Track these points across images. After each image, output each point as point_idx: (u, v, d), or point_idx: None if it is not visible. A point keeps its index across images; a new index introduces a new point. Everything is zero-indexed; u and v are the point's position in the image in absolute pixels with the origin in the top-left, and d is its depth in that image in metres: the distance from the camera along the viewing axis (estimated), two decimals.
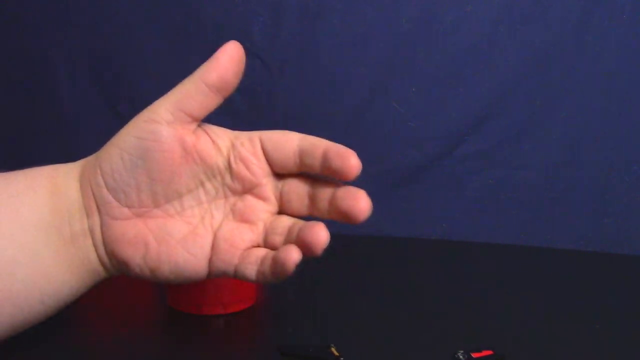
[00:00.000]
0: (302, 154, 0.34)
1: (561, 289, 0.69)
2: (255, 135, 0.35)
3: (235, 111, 0.84)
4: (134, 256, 0.34)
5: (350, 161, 0.33)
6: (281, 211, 0.36)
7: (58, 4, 0.88)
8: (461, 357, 0.49)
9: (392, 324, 0.58)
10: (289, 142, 0.34)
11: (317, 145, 0.34)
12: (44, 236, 0.33)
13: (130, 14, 0.87)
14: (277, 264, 0.32)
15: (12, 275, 0.32)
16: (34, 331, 0.35)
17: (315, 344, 0.50)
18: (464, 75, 0.84)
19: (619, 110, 0.82)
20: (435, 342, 0.54)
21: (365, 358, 0.51)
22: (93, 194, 0.34)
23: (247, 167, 0.34)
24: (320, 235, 0.32)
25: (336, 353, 0.50)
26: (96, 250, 0.35)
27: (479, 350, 0.50)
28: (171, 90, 0.36)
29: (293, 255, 0.31)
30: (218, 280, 0.57)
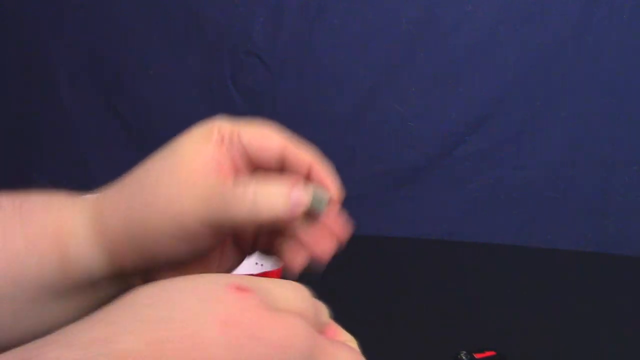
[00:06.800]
0: (283, 164, 0.34)
1: (561, 289, 0.69)
2: (235, 132, 0.34)
3: (235, 111, 0.84)
4: None
5: (333, 191, 0.33)
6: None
7: (58, 4, 0.88)
8: (464, 357, 0.49)
9: (394, 324, 0.58)
10: (269, 151, 0.34)
11: (301, 165, 0.34)
12: (54, 295, 0.32)
13: (130, 14, 0.87)
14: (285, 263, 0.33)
15: (11, 331, 0.31)
16: None
17: None
18: (464, 75, 0.83)
19: (619, 110, 0.82)
20: (438, 342, 0.54)
21: (367, 358, 0.51)
22: (135, 267, 0.32)
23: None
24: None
25: None
26: (129, 285, 0.33)
27: (481, 351, 0.50)
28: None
29: (298, 265, 0.33)
30: None
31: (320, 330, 0.25)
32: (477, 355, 0.49)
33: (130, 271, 0.33)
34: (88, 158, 0.90)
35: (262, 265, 0.58)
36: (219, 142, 0.33)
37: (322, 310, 0.27)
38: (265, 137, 0.34)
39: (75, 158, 0.91)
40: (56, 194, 0.34)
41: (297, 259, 0.33)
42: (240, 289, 0.22)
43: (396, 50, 0.84)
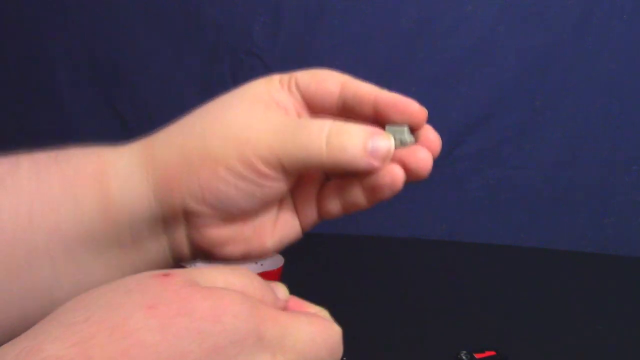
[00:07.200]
0: (345, 105, 0.31)
1: (561, 289, 0.69)
2: (292, 78, 0.32)
3: None
4: (234, 252, 0.31)
5: (414, 110, 0.31)
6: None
7: (58, 5, 0.88)
8: (464, 357, 0.49)
9: (394, 324, 0.58)
10: (328, 93, 0.31)
11: (364, 98, 0.31)
12: (93, 248, 0.29)
13: (130, 14, 0.87)
14: (380, 187, 0.30)
15: (52, 294, 0.29)
16: None
17: None
18: (464, 75, 0.83)
19: (619, 110, 0.82)
20: (438, 342, 0.54)
21: (367, 358, 0.51)
22: (184, 208, 0.29)
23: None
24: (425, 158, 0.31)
25: None
26: (173, 250, 0.31)
27: (481, 351, 0.50)
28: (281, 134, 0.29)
29: (399, 175, 0.30)
30: None
31: (277, 306, 0.24)
32: (477, 355, 0.49)
33: (177, 215, 0.30)
34: None
35: (262, 264, 0.58)
36: (280, 90, 0.31)
37: (278, 288, 0.25)
38: (322, 78, 0.32)
39: None
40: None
41: (396, 174, 0.30)
42: (165, 274, 0.22)
43: (396, 50, 0.84)
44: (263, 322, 0.21)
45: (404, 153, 0.30)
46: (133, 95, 0.88)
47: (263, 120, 0.29)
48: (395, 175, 0.30)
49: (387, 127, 0.30)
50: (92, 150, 0.31)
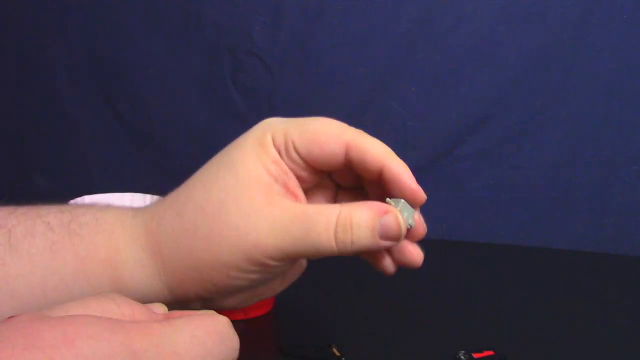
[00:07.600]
0: (351, 165, 0.31)
1: (561, 289, 0.69)
2: (289, 141, 0.32)
3: (235, 111, 0.84)
4: (247, 305, 0.33)
5: (419, 193, 0.32)
6: None
7: (58, 5, 0.88)
8: (462, 357, 0.49)
9: (393, 324, 0.57)
10: (331, 158, 0.31)
11: (370, 165, 0.31)
12: None
13: (129, 14, 0.87)
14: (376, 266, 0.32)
15: None
16: None
17: (316, 344, 0.50)
18: (464, 75, 0.83)
19: (619, 110, 0.82)
20: (437, 342, 0.54)
21: (367, 358, 0.51)
22: (199, 297, 0.31)
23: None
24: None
25: (337, 353, 0.49)
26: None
27: (480, 351, 0.50)
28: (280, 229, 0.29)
29: (390, 268, 0.33)
30: None
31: (153, 320, 0.23)
32: (475, 355, 0.49)
33: (190, 300, 0.31)
34: (88, 158, 0.90)
35: None
36: (277, 159, 0.30)
37: (154, 306, 0.25)
38: (324, 141, 0.31)
39: (75, 158, 0.91)
40: (103, 209, 0.31)
41: (389, 268, 0.33)
42: (11, 316, 0.21)
43: (396, 50, 0.84)
44: (130, 336, 0.20)
45: (397, 246, 0.32)
46: (133, 95, 0.88)
47: (266, 218, 0.29)
48: (386, 268, 0.33)
49: (401, 205, 0.30)
50: (103, 226, 0.31)
